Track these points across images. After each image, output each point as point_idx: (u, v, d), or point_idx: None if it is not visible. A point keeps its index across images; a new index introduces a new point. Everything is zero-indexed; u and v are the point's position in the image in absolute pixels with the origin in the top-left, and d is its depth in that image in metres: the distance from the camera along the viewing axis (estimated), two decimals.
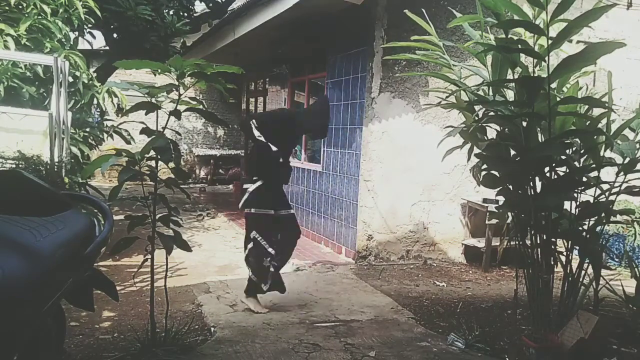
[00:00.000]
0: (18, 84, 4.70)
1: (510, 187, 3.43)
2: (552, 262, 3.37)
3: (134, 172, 2.98)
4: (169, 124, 3.04)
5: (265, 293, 4.14)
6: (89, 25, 6.09)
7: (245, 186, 4.30)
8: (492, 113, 3.30)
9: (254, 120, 4.23)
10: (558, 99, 3.02)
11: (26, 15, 4.72)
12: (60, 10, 5.06)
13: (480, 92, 3.51)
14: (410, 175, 5.93)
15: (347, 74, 6.19)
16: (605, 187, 3.34)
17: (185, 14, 8.23)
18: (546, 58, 2.83)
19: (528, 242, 3.43)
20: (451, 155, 3.69)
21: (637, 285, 3.32)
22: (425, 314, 4.22)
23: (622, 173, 3.25)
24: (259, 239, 4.09)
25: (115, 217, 2.74)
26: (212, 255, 6.06)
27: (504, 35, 3.07)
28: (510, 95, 3.42)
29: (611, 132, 3.23)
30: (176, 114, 3.06)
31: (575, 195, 3.32)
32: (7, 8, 4.68)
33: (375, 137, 5.76)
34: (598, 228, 3.38)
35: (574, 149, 3.34)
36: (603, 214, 3.33)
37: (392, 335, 3.68)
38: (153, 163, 3.08)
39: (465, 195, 6.11)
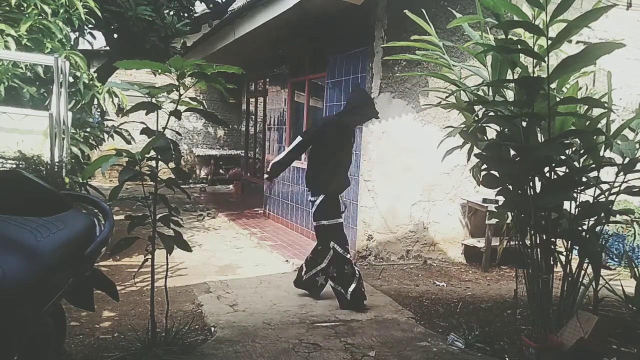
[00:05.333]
0: (18, 84, 4.71)
1: (510, 187, 3.43)
2: (552, 262, 3.37)
3: (134, 172, 2.98)
4: (169, 124, 3.05)
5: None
6: (90, 26, 6.11)
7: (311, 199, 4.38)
8: (492, 113, 3.30)
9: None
10: (558, 99, 3.02)
11: (27, 15, 4.73)
12: (61, 11, 5.07)
13: (480, 92, 3.51)
14: (410, 175, 5.93)
15: (347, 74, 6.19)
16: (605, 187, 3.34)
17: (186, 15, 8.25)
18: (546, 58, 2.83)
19: (528, 242, 3.43)
20: (451, 155, 3.69)
21: (637, 285, 3.32)
22: (425, 314, 4.22)
23: (621, 173, 3.26)
24: (337, 247, 4.22)
25: (115, 217, 2.74)
26: (212, 255, 6.07)
27: (503, 36, 3.07)
28: (510, 95, 3.43)
29: (611, 132, 3.23)
30: (176, 114, 3.06)
31: (575, 195, 3.32)
32: (7, 8, 4.68)
33: (375, 137, 5.77)
34: (598, 228, 3.38)
35: (573, 149, 3.35)
36: (603, 214, 3.33)
37: (392, 335, 3.69)
38: (153, 163, 3.09)
39: (465, 195, 6.11)
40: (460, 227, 6.24)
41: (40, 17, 4.77)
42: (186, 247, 3.24)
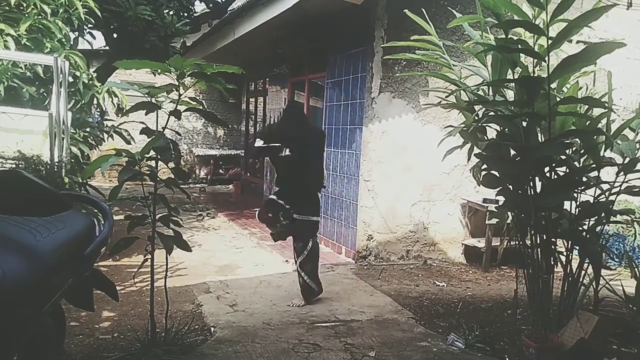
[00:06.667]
0: (18, 84, 4.70)
1: (510, 187, 3.43)
2: (552, 262, 3.37)
3: (134, 172, 2.98)
4: (169, 124, 3.04)
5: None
6: (89, 26, 6.10)
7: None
8: (492, 113, 3.30)
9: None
10: (558, 99, 3.02)
11: (26, 15, 4.72)
12: (60, 10, 5.06)
13: (480, 92, 3.51)
14: (410, 175, 5.93)
15: (347, 74, 6.18)
16: (605, 187, 3.34)
17: (185, 14, 8.24)
18: (546, 58, 2.83)
19: (528, 242, 3.43)
20: (451, 155, 3.69)
21: (637, 285, 3.32)
22: (425, 314, 4.22)
23: (622, 173, 3.25)
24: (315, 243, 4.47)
25: (115, 217, 2.73)
26: (212, 255, 6.06)
27: (504, 35, 3.07)
28: (510, 95, 3.42)
29: (611, 132, 3.23)
30: (176, 114, 3.05)
31: (575, 195, 3.32)
32: (7, 8, 4.68)
33: (375, 137, 5.76)
34: (598, 228, 3.38)
35: (574, 149, 3.34)
36: (603, 214, 3.33)
37: (392, 335, 3.68)
38: (153, 163, 3.08)
39: (465, 195, 6.11)
40: (461, 227, 6.24)
41: (40, 17, 4.77)
42: (186, 247, 3.24)
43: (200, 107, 3.28)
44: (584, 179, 3.27)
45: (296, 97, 8.17)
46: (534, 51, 2.92)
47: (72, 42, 5.49)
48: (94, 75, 5.54)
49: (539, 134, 3.28)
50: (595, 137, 3.17)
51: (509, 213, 3.68)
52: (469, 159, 3.71)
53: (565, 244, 3.40)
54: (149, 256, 3.15)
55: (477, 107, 3.51)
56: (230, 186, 12.59)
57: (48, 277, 1.82)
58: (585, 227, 3.37)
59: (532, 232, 3.38)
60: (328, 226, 6.57)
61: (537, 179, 3.29)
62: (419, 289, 4.99)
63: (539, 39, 3.13)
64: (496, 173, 3.45)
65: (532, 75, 3.17)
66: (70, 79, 4.83)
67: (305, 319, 3.97)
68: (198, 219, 8.48)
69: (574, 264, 3.38)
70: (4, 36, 4.43)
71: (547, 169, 3.27)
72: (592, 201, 3.35)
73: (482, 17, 3.17)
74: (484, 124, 3.40)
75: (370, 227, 5.84)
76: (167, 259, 3.22)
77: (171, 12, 7.73)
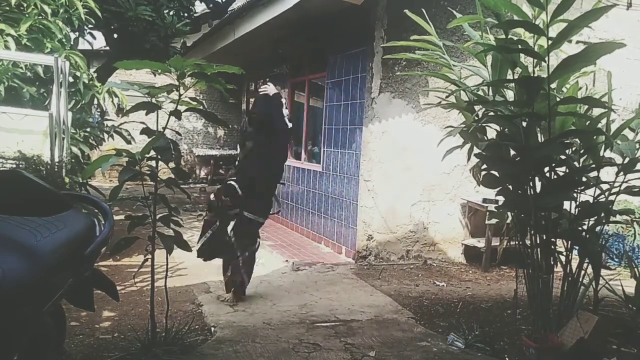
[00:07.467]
0: (18, 84, 4.71)
1: (510, 187, 3.43)
2: (552, 262, 3.37)
3: (134, 172, 2.98)
4: (169, 124, 3.05)
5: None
6: (89, 26, 6.12)
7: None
8: (492, 113, 3.30)
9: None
10: (558, 99, 3.02)
11: (27, 15, 4.73)
12: (61, 11, 5.07)
13: (480, 92, 3.51)
14: (410, 175, 5.93)
15: (347, 74, 6.19)
16: (605, 187, 3.34)
17: (186, 15, 8.25)
18: (546, 58, 2.83)
19: (528, 242, 3.43)
20: (451, 155, 3.69)
21: (637, 285, 3.32)
22: (425, 314, 4.22)
23: (622, 173, 3.26)
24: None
25: (115, 217, 2.74)
26: None
27: (503, 36, 3.07)
28: (510, 95, 3.42)
29: (611, 132, 3.23)
30: (176, 114, 3.06)
31: (575, 195, 3.32)
32: (7, 8, 4.68)
33: (375, 137, 5.76)
34: (598, 228, 3.38)
35: (574, 149, 3.35)
36: (603, 214, 3.33)
37: (392, 335, 3.69)
38: (153, 163, 3.09)
39: (465, 195, 6.11)
40: (460, 227, 6.24)
41: (40, 17, 4.77)
42: (186, 247, 3.24)
43: (201, 107, 3.28)
44: (584, 179, 3.27)
45: (296, 97, 8.18)
46: (534, 51, 2.92)
47: (72, 43, 5.50)
48: (94, 75, 5.55)
49: (539, 134, 3.28)
50: (595, 137, 3.17)
51: (509, 213, 3.68)
52: (469, 159, 3.71)
53: (565, 244, 3.40)
54: (149, 256, 3.16)
55: (477, 107, 3.51)
56: None
57: (48, 277, 1.82)
58: (585, 227, 3.38)
59: (532, 232, 3.38)
60: (328, 226, 6.57)
61: (537, 179, 3.29)
62: (419, 289, 4.99)
63: (539, 39, 3.13)
64: (496, 173, 3.45)
65: (532, 75, 3.17)
66: (71, 79, 4.84)
67: (305, 318, 3.97)
68: (198, 219, 8.48)
69: (574, 264, 3.38)
70: (5, 36, 4.43)
71: (547, 169, 3.27)
72: (592, 201, 3.35)
73: (482, 17, 3.17)
74: (484, 124, 3.40)
75: (370, 227, 5.85)
76: (167, 259, 3.23)
77: (171, 13, 7.75)
